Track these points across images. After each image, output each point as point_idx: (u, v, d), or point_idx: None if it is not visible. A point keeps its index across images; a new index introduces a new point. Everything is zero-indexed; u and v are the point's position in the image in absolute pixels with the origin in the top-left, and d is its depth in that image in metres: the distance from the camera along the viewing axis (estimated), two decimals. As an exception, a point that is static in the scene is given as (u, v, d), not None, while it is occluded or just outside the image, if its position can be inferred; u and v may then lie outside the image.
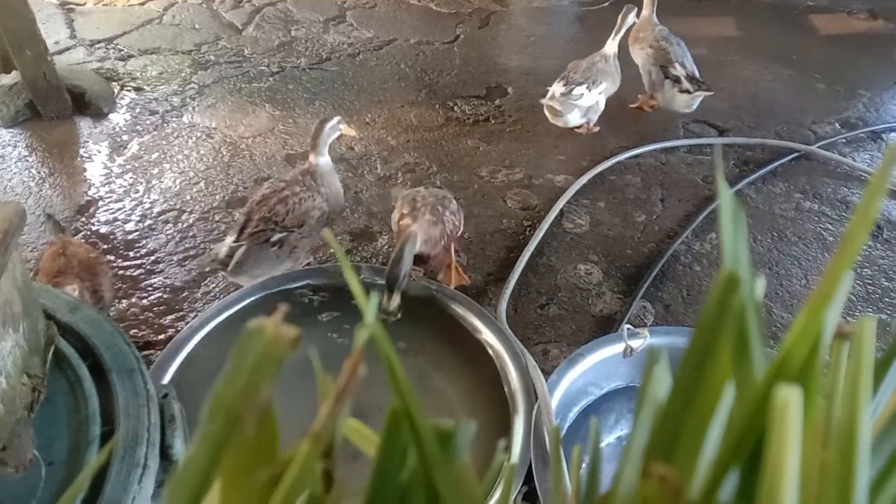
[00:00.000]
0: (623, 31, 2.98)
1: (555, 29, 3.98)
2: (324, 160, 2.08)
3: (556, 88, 2.82)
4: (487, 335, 1.85)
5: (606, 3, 4.16)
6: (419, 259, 1.93)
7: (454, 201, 2.04)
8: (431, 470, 0.34)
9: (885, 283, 2.44)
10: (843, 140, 3.14)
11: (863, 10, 4.41)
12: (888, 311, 2.28)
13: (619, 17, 2.97)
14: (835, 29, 4.22)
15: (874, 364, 0.38)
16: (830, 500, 0.30)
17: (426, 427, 0.35)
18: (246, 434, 0.35)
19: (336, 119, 2.07)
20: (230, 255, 1.87)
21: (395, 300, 1.79)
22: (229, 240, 1.91)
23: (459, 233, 2.04)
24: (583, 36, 3.93)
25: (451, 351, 1.90)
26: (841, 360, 0.39)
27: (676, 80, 2.92)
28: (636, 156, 2.88)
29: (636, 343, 1.81)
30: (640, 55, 3.07)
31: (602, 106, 2.93)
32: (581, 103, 2.80)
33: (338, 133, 2.10)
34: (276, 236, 1.91)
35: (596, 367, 1.82)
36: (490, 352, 1.82)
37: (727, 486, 0.31)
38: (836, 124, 3.27)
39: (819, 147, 3.02)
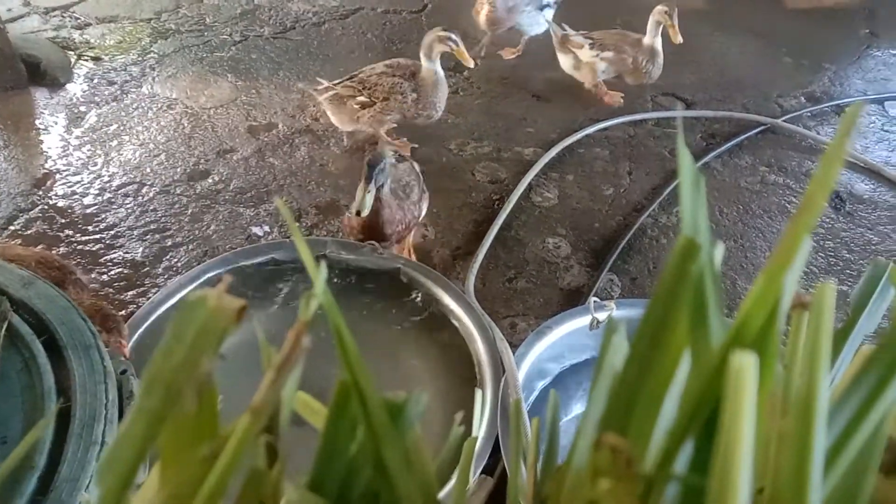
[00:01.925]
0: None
1: None
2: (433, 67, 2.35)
3: None
4: (455, 309, 1.84)
5: (576, -25, 4.12)
6: (379, 236, 1.91)
7: (417, 187, 2.01)
8: (380, 444, 0.33)
9: (847, 255, 2.48)
10: (808, 114, 3.17)
11: (829, -15, 4.44)
12: (849, 283, 2.32)
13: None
14: (803, 3, 4.24)
15: (833, 334, 0.37)
16: (787, 470, 0.29)
17: (375, 400, 0.34)
18: (185, 409, 0.33)
19: (442, 30, 2.18)
20: None
21: (370, 197, 1.78)
22: None
23: (416, 223, 2.01)
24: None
25: (418, 325, 1.89)
26: (801, 330, 0.38)
27: None
28: (604, 129, 2.88)
29: (603, 315, 1.82)
30: None
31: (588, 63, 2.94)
32: (540, 20, 2.99)
33: (447, 48, 2.25)
34: None
35: (563, 339, 1.82)
36: (457, 325, 1.81)
37: (683, 457, 0.31)
38: (802, 98, 3.30)
39: (784, 120, 3.04)
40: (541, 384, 1.84)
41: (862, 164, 2.89)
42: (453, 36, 2.21)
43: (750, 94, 3.25)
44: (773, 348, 0.29)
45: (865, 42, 3.88)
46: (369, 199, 1.81)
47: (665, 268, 0.32)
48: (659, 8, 2.76)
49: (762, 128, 2.99)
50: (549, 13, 3.08)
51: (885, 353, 0.28)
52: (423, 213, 2.07)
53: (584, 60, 2.91)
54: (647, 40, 2.84)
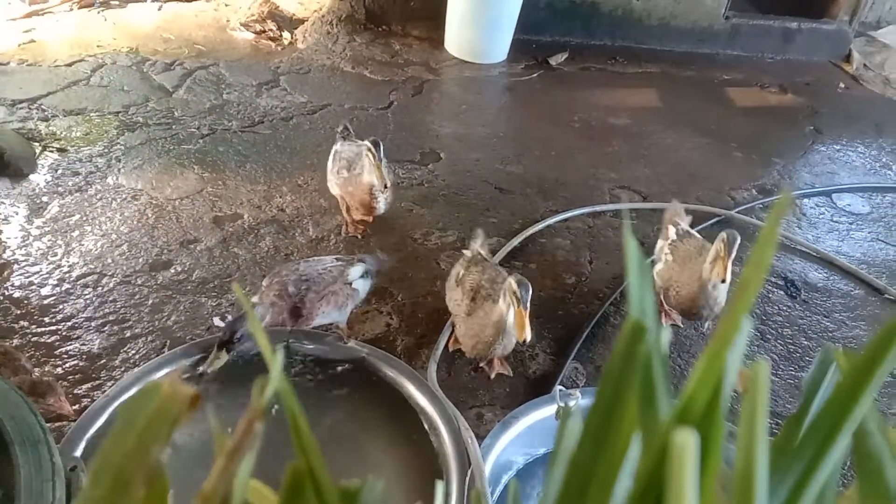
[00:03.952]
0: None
1: (485, 97, 4.10)
2: None
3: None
4: (419, 398, 1.82)
5: (535, 75, 4.32)
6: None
7: (324, 284, 2.00)
8: (334, 533, 0.32)
9: (805, 342, 2.53)
10: (761, 206, 3.29)
11: (774, 85, 4.71)
12: (809, 370, 2.35)
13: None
14: (749, 101, 4.49)
15: (794, 419, 0.38)
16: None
17: (329, 487, 0.33)
18: (133, 498, 0.32)
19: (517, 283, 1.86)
20: None
21: (219, 362, 1.79)
22: None
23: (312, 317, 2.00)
24: (512, 104, 4.05)
25: (381, 414, 1.86)
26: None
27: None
28: (565, 220, 2.95)
29: (570, 404, 1.81)
30: None
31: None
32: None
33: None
34: None
35: (530, 429, 1.80)
36: (421, 416, 1.79)
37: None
38: (754, 190, 3.44)
39: (738, 212, 3.16)
40: (507, 476, 1.81)
41: (814, 254, 3.00)
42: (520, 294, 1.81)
43: (703, 187, 3.38)
44: (717, 426, 0.30)
45: (811, 138, 4.09)
46: (218, 364, 1.80)
47: (614, 349, 0.33)
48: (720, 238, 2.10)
49: (717, 219, 3.10)
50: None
51: (817, 429, 0.29)
52: (330, 314, 2.03)
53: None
54: None
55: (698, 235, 2.38)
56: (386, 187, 2.47)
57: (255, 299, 1.92)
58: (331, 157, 2.68)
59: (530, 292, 1.80)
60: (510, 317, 1.85)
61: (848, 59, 5.18)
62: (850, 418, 0.29)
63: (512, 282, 1.82)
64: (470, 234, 2.77)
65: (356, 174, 2.50)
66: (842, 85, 4.89)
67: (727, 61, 5.00)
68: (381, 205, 2.55)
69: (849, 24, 5.15)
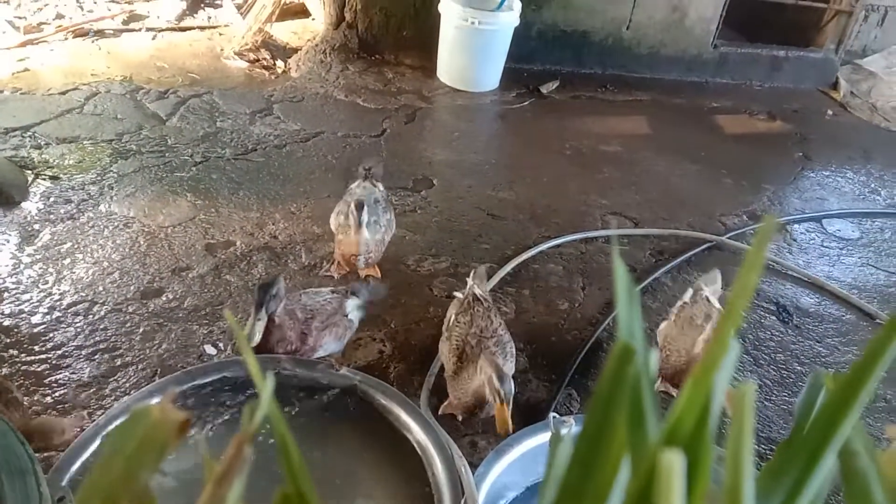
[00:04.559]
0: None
1: (477, 125, 4.14)
2: None
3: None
4: (412, 426, 1.80)
5: (526, 103, 4.36)
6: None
7: (326, 315, 2.03)
8: (323, 559, 0.32)
9: (798, 368, 2.53)
10: (751, 231, 3.31)
11: (762, 112, 4.77)
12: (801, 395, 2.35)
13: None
14: (738, 129, 4.54)
15: (786, 444, 0.38)
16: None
17: (318, 512, 0.33)
18: (120, 526, 0.32)
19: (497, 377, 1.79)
20: None
21: (260, 325, 1.82)
22: None
23: (316, 348, 2.01)
24: (504, 132, 4.09)
25: (374, 442, 1.84)
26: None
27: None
28: (557, 245, 2.96)
29: (563, 431, 1.79)
30: None
31: None
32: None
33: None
34: None
35: (524, 457, 1.79)
36: (414, 443, 1.77)
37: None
38: (744, 216, 3.47)
39: (728, 238, 3.18)
40: (501, 504, 1.79)
41: (806, 279, 3.01)
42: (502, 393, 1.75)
43: (694, 214, 3.40)
44: (705, 447, 0.30)
45: (800, 164, 4.14)
46: (259, 327, 1.82)
47: (603, 372, 0.33)
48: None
49: (708, 245, 3.12)
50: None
51: (803, 449, 0.29)
52: (330, 345, 2.06)
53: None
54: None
55: (716, 304, 2.19)
56: (369, 252, 2.43)
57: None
58: (346, 193, 2.62)
59: (513, 387, 1.75)
60: (489, 396, 1.79)
61: (835, 86, 5.26)
62: (835, 438, 0.30)
63: (493, 377, 1.73)
64: (463, 261, 2.78)
65: (347, 225, 2.40)
66: (829, 112, 4.96)
67: (716, 89, 5.06)
68: (361, 263, 2.48)
69: (835, 53, 5.23)
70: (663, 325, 2.28)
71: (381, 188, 2.62)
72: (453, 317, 2.10)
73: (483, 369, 1.79)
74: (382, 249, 2.55)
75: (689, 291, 2.30)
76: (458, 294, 2.23)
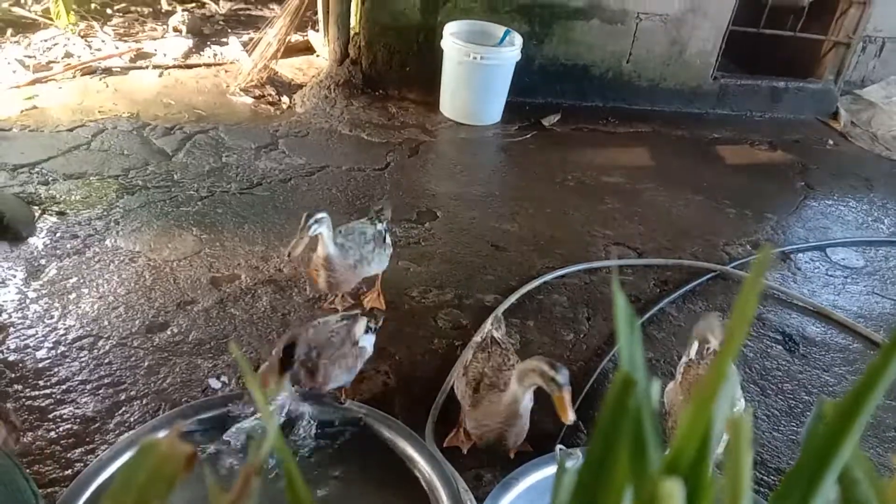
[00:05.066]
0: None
1: (480, 158, 4.17)
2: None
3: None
4: (417, 459, 1.79)
5: (529, 135, 4.40)
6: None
7: (334, 348, 1.99)
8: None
9: (806, 398, 2.52)
10: (755, 260, 3.31)
11: (764, 142, 4.80)
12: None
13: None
14: (740, 159, 4.56)
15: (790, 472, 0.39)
16: None
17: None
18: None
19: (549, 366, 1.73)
20: None
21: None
22: None
23: (326, 384, 1.98)
24: (507, 164, 4.12)
25: (380, 475, 1.83)
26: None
27: None
28: (562, 276, 2.96)
29: (570, 464, 1.78)
30: None
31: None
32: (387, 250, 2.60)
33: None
34: None
35: (530, 490, 1.78)
36: (420, 476, 1.76)
37: None
38: (748, 245, 3.47)
39: (733, 267, 3.18)
40: (507, 539, 1.77)
41: (811, 308, 3.00)
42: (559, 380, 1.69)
43: (698, 244, 3.41)
44: (705, 475, 0.30)
45: (802, 193, 4.15)
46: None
47: (605, 402, 0.34)
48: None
49: (712, 274, 3.12)
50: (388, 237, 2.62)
51: (802, 474, 0.30)
52: (340, 378, 2.01)
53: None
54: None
55: None
56: (333, 272, 2.33)
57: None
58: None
59: (567, 374, 1.69)
60: (528, 401, 1.80)
61: (835, 116, 5.30)
62: (834, 463, 0.30)
63: (544, 367, 1.69)
64: (467, 292, 2.78)
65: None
66: (830, 142, 4.98)
67: (717, 120, 5.10)
68: (321, 282, 2.38)
69: (834, 83, 5.28)
70: (669, 385, 2.15)
71: (381, 226, 2.55)
72: (469, 356, 2.09)
73: (527, 374, 1.75)
74: (355, 282, 2.50)
75: (694, 345, 2.15)
76: (476, 338, 2.23)
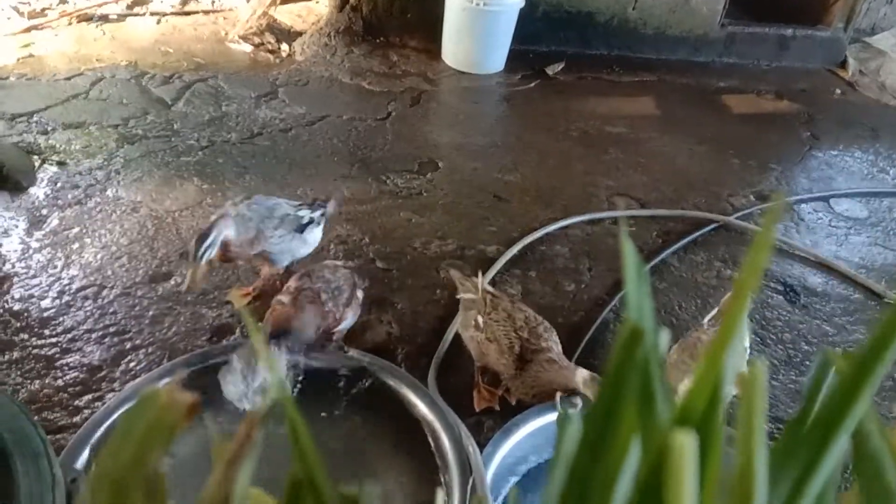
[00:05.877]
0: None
1: (483, 107, 4.12)
2: None
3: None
4: (420, 406, 1.81)
5: (532, 84, 4.34)
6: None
7: (347, 294, 1.98)
8: (334, 539, 0.32)
9: (806, 348, 2.53)
10: (759, 211, 3.29)
11: (770, 91, 4.73)
12: (809, 374, 2.35)
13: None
14: (745, 108, 4.50)
15: (794, 423, 0.38)
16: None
17: (328, 493, 0.33)
18: (133, 508, 0.32)
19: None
20: None
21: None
22: None
23: (338, 325, 1.94)
24: (509, 113, 4.07)
25: (383, 423, 1.86)
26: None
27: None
28: (564, 227, 2.95)
29: (570, 411, 1.80)
30: None
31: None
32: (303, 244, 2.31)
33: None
34: None
35: (531, 436, 1.80)
36: (422, 424, 1.78)
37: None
38: (751, 196, 3.45)
39: (736, 218, 3.16)
40: (510, 483, 1.80)
41: (813, 259, 3.00)
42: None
43: (701, 194, 3.39)
44: (716, 428, 0.30)
45: (808, 144, 4.10)
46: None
47: (612, 352, 0.33)
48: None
49: (715, 225, 3.10)
50: (318, 232, 2.33)
51: (816, 430, 0.29)
52: (347, 322, 2.00)
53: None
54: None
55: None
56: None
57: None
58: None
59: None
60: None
61: (843, 65, 5.21)
62: (849, 418, 0.29)
63: (588, 379, 1.75)
64: (469, 243, 2.78)
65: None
66: (838, 91, 4.91)
67: (723, 69, 5.02)
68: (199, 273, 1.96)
69: (843, 31, 5.17)
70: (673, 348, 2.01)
71: (309, 213, 2.28)
72: (480, 319, 1.98)
73: (581, 382, 1.78)
74: (248, 256, 2.15)
75: (713, 312, 2.12)
76: (466, 295, 2.10)
